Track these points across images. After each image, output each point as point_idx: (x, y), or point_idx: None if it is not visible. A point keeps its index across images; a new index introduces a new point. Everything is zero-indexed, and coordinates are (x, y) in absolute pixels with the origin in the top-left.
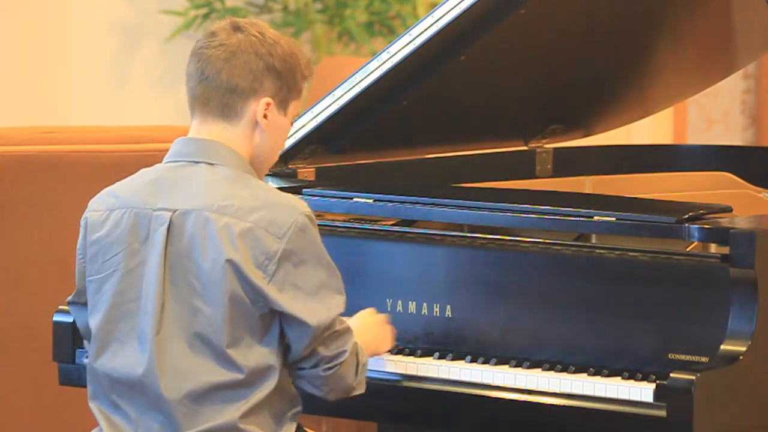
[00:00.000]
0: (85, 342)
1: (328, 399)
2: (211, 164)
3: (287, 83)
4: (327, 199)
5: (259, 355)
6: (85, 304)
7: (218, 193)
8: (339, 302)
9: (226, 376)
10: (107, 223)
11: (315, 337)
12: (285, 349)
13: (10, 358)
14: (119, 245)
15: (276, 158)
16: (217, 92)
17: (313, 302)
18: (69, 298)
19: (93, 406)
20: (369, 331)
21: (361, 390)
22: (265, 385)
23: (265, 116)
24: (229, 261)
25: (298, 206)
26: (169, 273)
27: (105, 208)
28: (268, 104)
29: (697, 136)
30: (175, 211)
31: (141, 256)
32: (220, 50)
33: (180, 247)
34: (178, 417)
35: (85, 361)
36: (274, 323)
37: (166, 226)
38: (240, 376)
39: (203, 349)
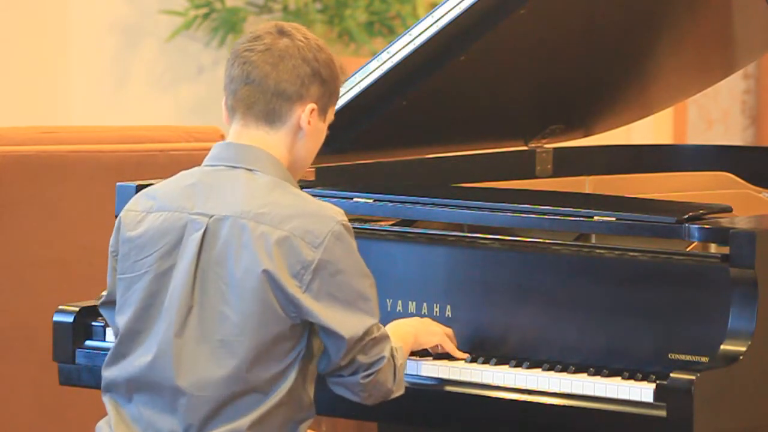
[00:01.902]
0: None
1: (367, 404)
2: (250, 170)
3: (329, 89)
4: (327, 199)
5: (280, 365)
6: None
7: (255, 200)
8: (374, 311)
9: (245, 385)
10: (142, 225)
11: (351, 348)
12: (307, 359)
13: (10, 358)
14: (152, 247)
15: (310, 162)
16: (263, 96)
17: (349, 313)
18: (101, 300)
19: (106, 399)
20: (412, 323)
21: (400, 392)
22: (277, 392)
23: (308, 122)
24: (265, 271)
25: (335, 215)
26: (199, 278)
27: (142, 209)
28: (312, 110)
29: (697, 136)
30: (211, 217)
31: (173, 259)
32: (268, 54)
33: (213, 253)
34: (191, 421)
35: (84, 360)
36: (304, 335)
37: (201, 231)
38: (258, 385)
39: (226, 357)
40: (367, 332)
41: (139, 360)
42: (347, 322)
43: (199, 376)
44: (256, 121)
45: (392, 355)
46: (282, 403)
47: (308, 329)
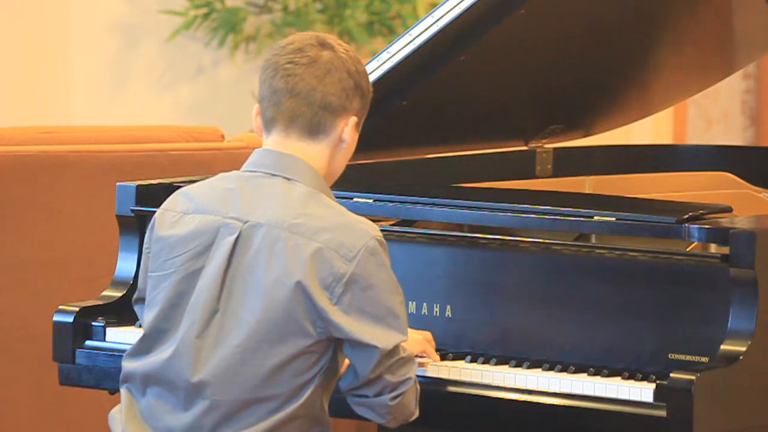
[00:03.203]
0: None
1: (389, 426)
2: (288, 179)
3: (366, 101)
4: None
5: (302, 379)
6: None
7: (291, 210)
8: (404, 329)
9: (260, 393)
10: (177, 225)
11: (381, 361)
12: (330, 374)
13: (10, 358)
14: (183, 247)
15: (342, 171)
16: (309, 109)
17: (379, 327)
18: (134, 296)
19: (123, 389)
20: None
21: (417, 415)
22: (294, 404)
23: (350, 134)
24: (299, 283)
25: (370, 230)
26: (228, 283)
27: (179, 210)
28: (354, 123)
29: (697, 136)
30: (246, 222)
31: (203, 261)
32: (314, 67)
33: (245, 259)
34: (202, 422)
35: (84, 360)
36: (328, 350)
37: (235, 236)
38: (274, 395)
39: (243, 363)
40: (396, 348)
41: (158, 356)
42: (378, 335)
43: (215, 379)
44: (298, 133)
45: (416, 378)
46: (297, 416)
47: (333, 345)
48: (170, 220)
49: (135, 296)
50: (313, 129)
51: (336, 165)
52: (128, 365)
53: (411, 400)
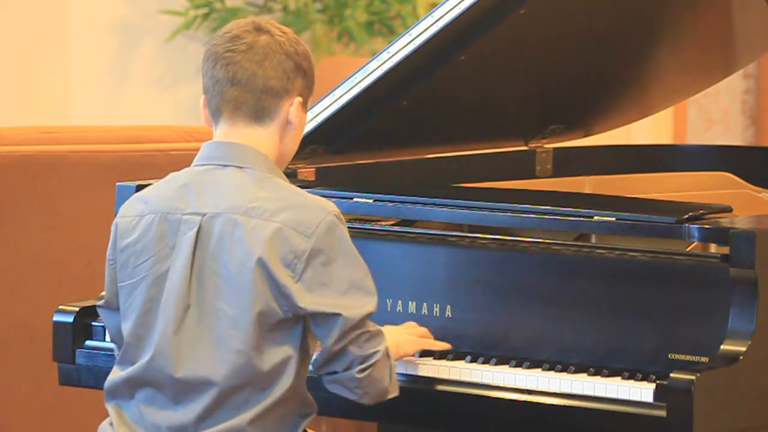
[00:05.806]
0: (115, 348)
1: (364, 403)
2: (240, 167)
3: (310, 80)
4: (327, 199)
5: (278, 359)
6: (114, 310)
7: (246, 196)
8: (370, 301)
9: (243, 379)
10: (137, 229)
11: (346, 331)
12: (304, 354)
13: (10, 358)
14: (149, 251)
15: (294, 153)
16: (252, 95)
17: (343, 299)
18: (98, 303)
19: (109, 406)
20: (393, 333)
21: (395, 393)
22: (278, 387)
23: (297, 115)
24: (259, 260)
25: (326, 206)
26: (196, 276)
27: (135, 213)
28: (300, 103)
29: (697, 136)
30: (204, 215)
31: (169, 262)
32: (251, 53)
33: (208, 250)
34: (190, 416)
35: (84, 360)
36: (297, 327)
37: (195, 230)
38: (257, 380)
39: (223, 352)
40: (362, 321)
41: (140, 361)
42: (342, 305)
43: (198, 371)
44: (244, 119)
45: (388, 353)
46: (284, 400)
47: (302, 325)
48: (129, 226)
49: (100, 304)
50: (259, 114)
51: (286, 147)
52: (113, 377)
53: (383, 375)
